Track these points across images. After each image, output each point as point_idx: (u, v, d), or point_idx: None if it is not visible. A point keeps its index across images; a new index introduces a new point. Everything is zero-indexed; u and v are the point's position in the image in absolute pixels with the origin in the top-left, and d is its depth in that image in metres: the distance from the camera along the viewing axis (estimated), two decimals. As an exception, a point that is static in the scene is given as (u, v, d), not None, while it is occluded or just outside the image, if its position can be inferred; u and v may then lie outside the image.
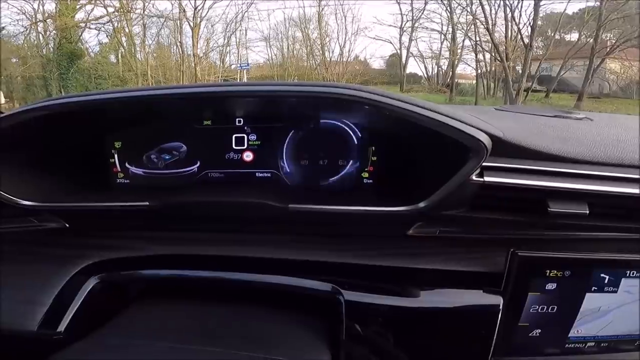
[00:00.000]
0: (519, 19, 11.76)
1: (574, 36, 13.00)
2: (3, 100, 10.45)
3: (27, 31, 12.31)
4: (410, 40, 16.09)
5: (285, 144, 0.68)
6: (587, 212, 0.53)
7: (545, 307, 0.55)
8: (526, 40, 10.99)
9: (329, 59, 16.00)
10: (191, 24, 13.84)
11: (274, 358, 0.50)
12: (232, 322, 0.60)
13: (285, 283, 0.61)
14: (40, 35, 12.69)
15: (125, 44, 13.84)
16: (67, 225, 0.68)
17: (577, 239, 0.62)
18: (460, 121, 0.48)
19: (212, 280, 0.65)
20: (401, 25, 15.92)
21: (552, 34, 12.50)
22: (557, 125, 0.69)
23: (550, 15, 12.79)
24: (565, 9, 12.22)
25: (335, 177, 0.68)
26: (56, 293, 0.63)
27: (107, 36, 13.79)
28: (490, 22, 11.80)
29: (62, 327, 0.60)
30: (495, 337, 0.55)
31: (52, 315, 0.61)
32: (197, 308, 0.64)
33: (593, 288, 0.55)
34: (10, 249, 0.70)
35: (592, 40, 10.97)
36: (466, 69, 15.80)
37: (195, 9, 13.62)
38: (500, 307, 0.55)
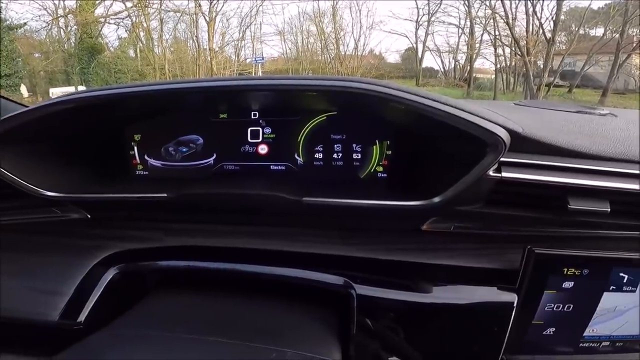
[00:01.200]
0: (541, 14, 11.44)
1: (599, 31, 12.58)
2: (26, 94, 10.79)
3: (49, 26, 12.65)
4: (427, 34, 15.91)
5: (300, 137, 0.68)
6: (609, 209, 0.52)
7: (561, 305, 0.55)
8: (548, 35, 10.68)
9: (343, 53, 15.92)
10: (207, 18, 13.97)
11: (284, 350, 0.50)
12: (244, 314, 0.61)
13: (298, 276, 0.62)
14: (62, 30, 13.02)
15: (143, 39, 14.08)
16: (89, 216, 0.70)
17: (597, 236, 0.60)
18: (478, 116, 0.47)
19: (225, 271, 0.66)
20: (417, 19, 15.75)
21: (576, 29, 12.12)
22: (580, 120, 0.68)
23: (574, 10, 12.43)
24: (589, 4, 11.87)
25: (349, 171, 0.68)
26: (77, 283, 0.65)
27: (125, 31, 14.07)
28: (510, 16, 11.54)
29: (82, 318, 0.62)
30: (507, 335, 0.54)
31: (73, 306, 0.63)
32: (210, 299, 0.65)
33: (611, 287, 0.54)
34: (35, 239, 0.73)
35: (617, 35, 10.58)
36: (485, 64, 15.52)
37: (211, 3, 13.74)
38: (515, 304, 0.54)
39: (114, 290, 0.65)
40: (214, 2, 13.68)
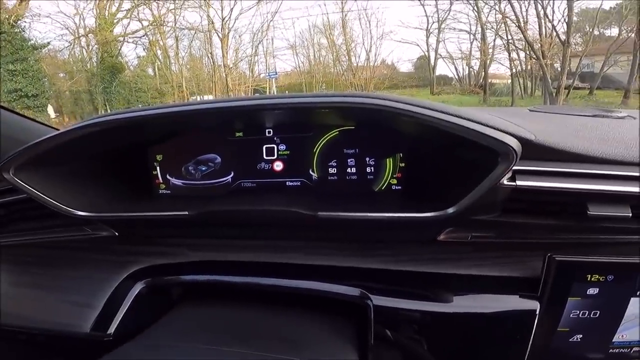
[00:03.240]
0: (552, 16, 11.22)
1: (614, 31, 12.28)
2: (53, 115, 11.18)
3: (71, 46, 13.16)
4: (438, 41, 15.80)
5: (314, 153, 0.70)
6: (630, 214, 0.51)
7: (587, 312, 0.54)
8: (562, 37, 10.49)
9: (355, 64, 15.98)
10: (220, 35, 14.34)
11: None
12: (263, 326, 0.62)
13: (315, 288, 0.63)
14: (84, 49, 13.54)
15: (160, 57, 14.55)
16: (117, 233, 0.73)
17: (620, 242, 0.59)
18: (488, 125, 0.48)
19: (245, 284, 0.67)
20: (427, 27, 15.70)
21: (590, 30, 11.86)
22: (596, 125, 0.67)
23: (586, 11, 12.19)
24: (600, 5, 11.61)
25: (364, 184, 0.69)
26: (107, 297, 0.68)
27: (143, 49, 14.56)
28: (521, 20, 11.38)
29: (112, 330, 0.65)
30: (531, 343, 0.54)
31: (103, 318, 0.66)
32: (232, 312, 0.67)
33: (638, 292, 0.52)
34: (67, 256, 0.76)
35: (633, 35, 10.31)
36: (500, 69, 15.25)
37: (223, 20, 14.11)
38: (537, 312, 0.53)
39: (141, 304, 0.68)
40: (226, 19, 14.07)
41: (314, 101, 0.53)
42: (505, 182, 0.50)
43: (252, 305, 0.67)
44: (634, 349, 0.56)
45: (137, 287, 0.68)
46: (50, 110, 11.02)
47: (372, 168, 0.68)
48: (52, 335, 0.67)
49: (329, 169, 0.70)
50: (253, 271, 0.67)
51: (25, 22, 10.83)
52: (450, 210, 0.52)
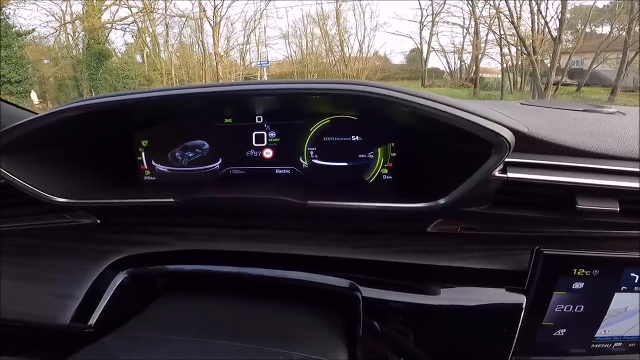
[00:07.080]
0: (546, 12, 11.31)
1: (605, 29, 12.45)
2: (37, 101, 10.92)
3: (57, 32, 12.76)
4: (431, 34, 15.84)
5: (304, 141, 0.68)
6: (618, 209, 0.51)
7: (572, 306, 0.54)
8: (554, 34, 10.58)
9: (348, 55, 15.91)
10: (211, 22, 14.09)
11: (291, 353, 0.51)
12: (251, 317, 0.61)
13: (304, 279, 0.62)
14: (70, 36, 13.15)
15: (149, 44, 14.23)
16: (99, 221, 0.71)
17: (607, 236, 0.59)
18: (481, 116, 0.47)
19: (232, 275, 0.66)
20: (421, 19, 15.73)
21: (582, 27, 12.01)
22: (587, 119, 0.67)
23: (580, 8, 12.36)
24: (594, 3, 11.75)
25: (354, 173, 0.68)
26: (88, 287, 0.66)
27: (132, 36, 14.21)
28: (515, 15, 11.44)
29: (92, 321, 0.63)
30: (517, 336, 0.54)
31: (84, 309, 0.64)
32: (218, 302, 0.66)
33: (622, 288, 0.53)
34: (46, 244, 0.74)
35: (624, 33, 10.44)
36: (491, 63, 15.38)
37: (215, 7, 13.84)
38: (523, 306, 0.53)
39: (124, 294, 0.66)
40: (218, 6, 13.81)
41: (304, 87, 0.52)
42: (497, 173, 0.50)
43: (239, 297, 0.66)
44: (616, 344, 0.56)
45: (120, 277, 0.66)
46: (33, 96, 10.78)
47: (363, 157, 0.68)
48: (30, 327, 0.65)
49: (320, 157, 0.69)
50: (240, 261, 0.66)
51: (9, 9, 10.47)
52: (442, 201, 0.52)
